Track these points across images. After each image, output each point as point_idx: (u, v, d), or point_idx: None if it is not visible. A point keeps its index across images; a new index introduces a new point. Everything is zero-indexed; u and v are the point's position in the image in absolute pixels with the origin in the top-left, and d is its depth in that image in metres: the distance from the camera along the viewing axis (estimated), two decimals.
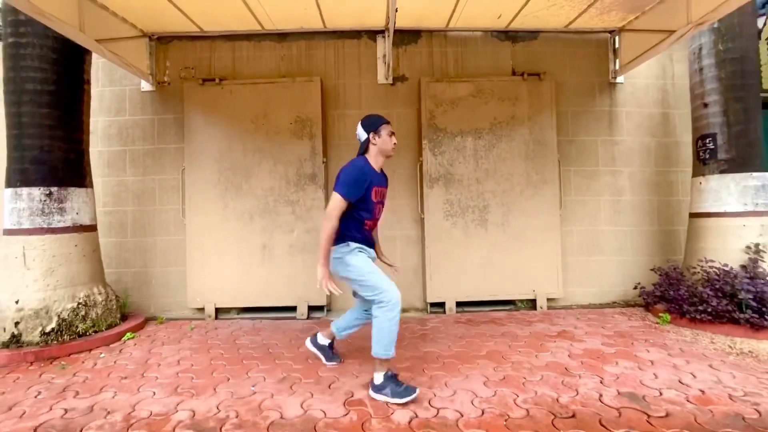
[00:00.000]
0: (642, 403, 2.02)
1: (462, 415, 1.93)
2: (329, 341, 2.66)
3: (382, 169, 2.43)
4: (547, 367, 2.50)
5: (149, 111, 4.15)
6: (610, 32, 4.24)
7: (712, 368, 2.44)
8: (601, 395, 2.11)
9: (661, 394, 2.12)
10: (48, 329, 2.96)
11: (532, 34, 4.23)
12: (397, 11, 2.99)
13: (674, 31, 3.42)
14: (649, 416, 1.89)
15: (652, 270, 3.84)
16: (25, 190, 3.05)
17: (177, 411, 2.03)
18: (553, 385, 2.24)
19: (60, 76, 3.17)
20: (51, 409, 2.07)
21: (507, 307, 4.00)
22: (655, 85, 4.32)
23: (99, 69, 4.16)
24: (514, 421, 1.87)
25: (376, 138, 2.32)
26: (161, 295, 4.08)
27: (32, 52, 3.05)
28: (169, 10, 3.61)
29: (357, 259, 2.25)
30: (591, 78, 4.25)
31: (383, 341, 2.13)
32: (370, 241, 2.39)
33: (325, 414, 1.97)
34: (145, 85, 4.13)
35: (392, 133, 2.35)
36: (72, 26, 3.02)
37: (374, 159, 2.34)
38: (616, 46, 4.22)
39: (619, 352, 2.73)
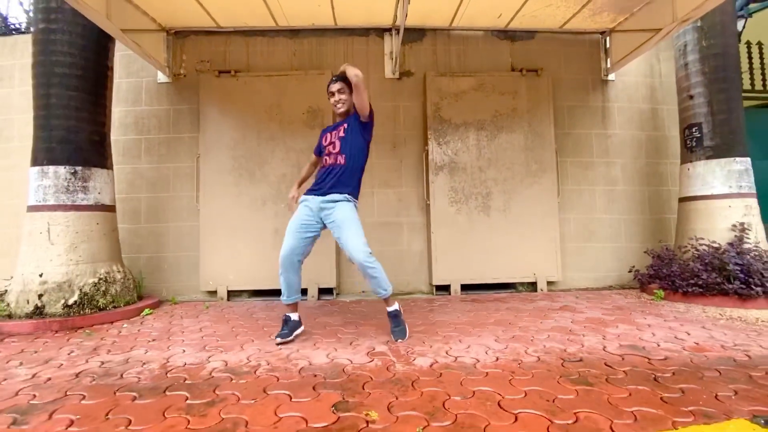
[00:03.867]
0: (642, 351, 2.19)
1: (479, 361, 2.08)
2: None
3: (349, 111, 2.59)
4: (552, 330, 2.66)
5: (165, 102, 4.31)
6: (602, 33, 4.54)
7: (705, 328, 2.63)
8: (605, 347, 2.28)
9: (659, 345, 2.29)
10: (70, 302, 3.05)
11: (530, 34, 4.51)
12: (409, 2, 3.22)
13: (661, 29, 3.71)
14: (649, 360, 2.06)
15: (645, 252, 4.05)
16: (51, 168, 3.17)
17: (210, 362, 2.14)
18: (559, 341, 2.40)
19: (87, 62, 3.33)
20: (87, 362, 2.17)
21: (509, 291, 4.17)
22: (644, 82, 4.62)
23: (117, 61, 4.29)
24: (527, 363, 2.03)
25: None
26: (173, 279, 4.17)
27: (62, 37, 3.21)
28: (189, 4, 3.82)
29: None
30: (585, 75, 4.54)
31: None
32: (324, 179, 2.53)
33: (351, 361, 2.10)
34: (162, 77, 4.30)
35: (331, 93, 2.54)
36: (100, 14, 3.20)
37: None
38: (608, 46, 4.52)
39: (618, 319, 2.91)
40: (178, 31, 4.33)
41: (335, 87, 2.52)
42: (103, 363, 2.15)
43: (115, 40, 3.64)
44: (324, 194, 2.49)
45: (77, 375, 1.98)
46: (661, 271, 3.63)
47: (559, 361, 2.05)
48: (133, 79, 4.35)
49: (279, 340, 2.45)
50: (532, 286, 4.19)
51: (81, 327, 2.92)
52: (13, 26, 4.48)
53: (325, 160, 2.55)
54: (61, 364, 2.15)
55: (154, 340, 2.58)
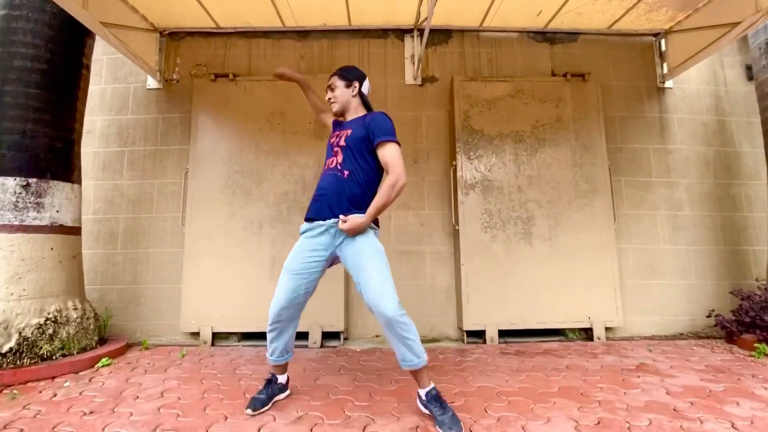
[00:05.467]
0: None
1: None
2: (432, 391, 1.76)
3: (346, 110, 2.05)
4: (648, 408, 1.88)
5: (154, 110, 3.77)
6: (655, 35, 3.93)
7: None
8: None
9: None
10: (4, 349, 2.37)
11: (571, 36, 3.92)
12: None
13: (739, 23, 3.09)
14: None
15: (731, 293, 3.25)
16: None
17: None
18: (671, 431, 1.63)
19: (55, 56, 2.80)
20: None
21: (558, 338, 3.37)
22: (707, 90, 3.95)
23: (104, 65, 3.84)
24: None
25: None
26: (150, 317, 3.48)
27: (25, 26, 2.70)
28: (187, 2, 3.36)
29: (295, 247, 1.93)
30: (637, 82, 3.89)
31: None
32: (325, 195, 1.87)
33: None
34: (152, 82, 3.78)
35: (328, 87, 2.04)
36: (74, 1, 2.69)
37: None
38: (663, 49, 3.90)
39: (730, 390, 2.11)
40: (173, 32, 3.84)
41: (329, 80, 2.04)
42: None
43: (95, 34, 3.13)
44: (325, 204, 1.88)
45: None
46: (760, 318, 2.83)
47: None
48: (120, 85, 3.84)
49: (250, 412, 1.81)
50: (586, 332, 3.38)
51: (11, 384, 2.22)
52: None
53: (332, 153, 1.96)
54: None
55: (91, 412, 1.86)
